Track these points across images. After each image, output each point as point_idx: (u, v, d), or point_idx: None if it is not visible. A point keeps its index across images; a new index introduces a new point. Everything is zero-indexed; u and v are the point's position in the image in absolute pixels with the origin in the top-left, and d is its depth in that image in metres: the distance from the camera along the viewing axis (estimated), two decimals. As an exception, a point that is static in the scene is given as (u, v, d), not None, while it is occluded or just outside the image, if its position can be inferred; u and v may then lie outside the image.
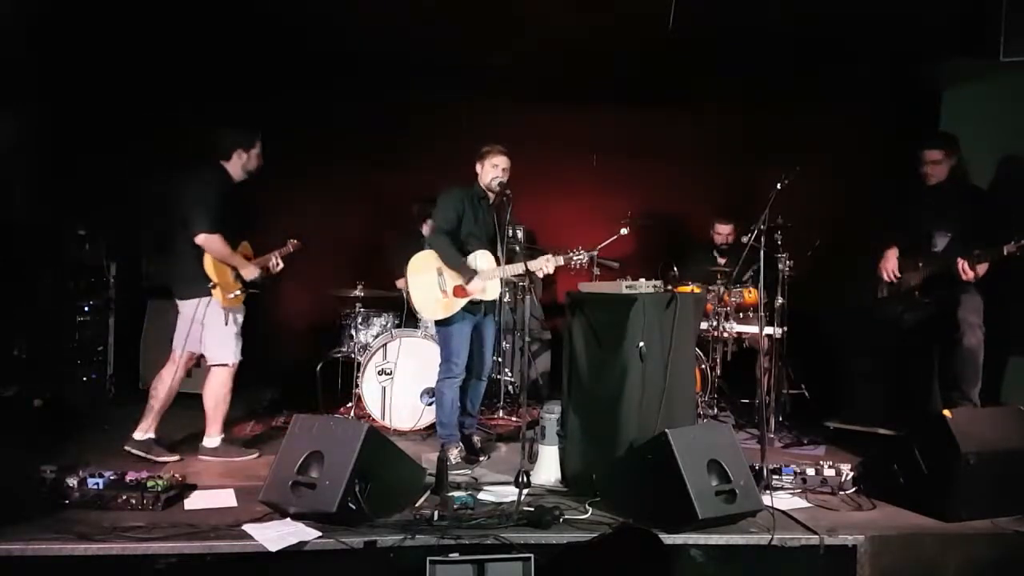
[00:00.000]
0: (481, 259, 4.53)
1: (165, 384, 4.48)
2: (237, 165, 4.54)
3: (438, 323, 4.61)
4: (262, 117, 5.85)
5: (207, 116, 6.12)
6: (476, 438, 4.83)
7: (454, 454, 4.52)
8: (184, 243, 4.38)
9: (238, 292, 4.49)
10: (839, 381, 5.62)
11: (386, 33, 5.84)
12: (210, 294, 4.39)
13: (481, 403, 5.01)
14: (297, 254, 4.92)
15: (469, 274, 4.47)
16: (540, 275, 4.49)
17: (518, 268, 4.42)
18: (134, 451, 4.40)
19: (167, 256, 4.60)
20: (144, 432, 4.45)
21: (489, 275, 4.49)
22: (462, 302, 4.50)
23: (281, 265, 4.76)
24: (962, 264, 4.43)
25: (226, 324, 4.45)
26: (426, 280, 4.55)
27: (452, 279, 4.52)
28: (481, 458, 4.63)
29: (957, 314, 4.52)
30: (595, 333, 4.03)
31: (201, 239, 4.32)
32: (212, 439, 4.55)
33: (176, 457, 4.48)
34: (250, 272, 4.54)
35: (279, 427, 5.25)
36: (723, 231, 6.32)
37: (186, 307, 4.45)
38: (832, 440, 5.06)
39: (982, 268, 4.43)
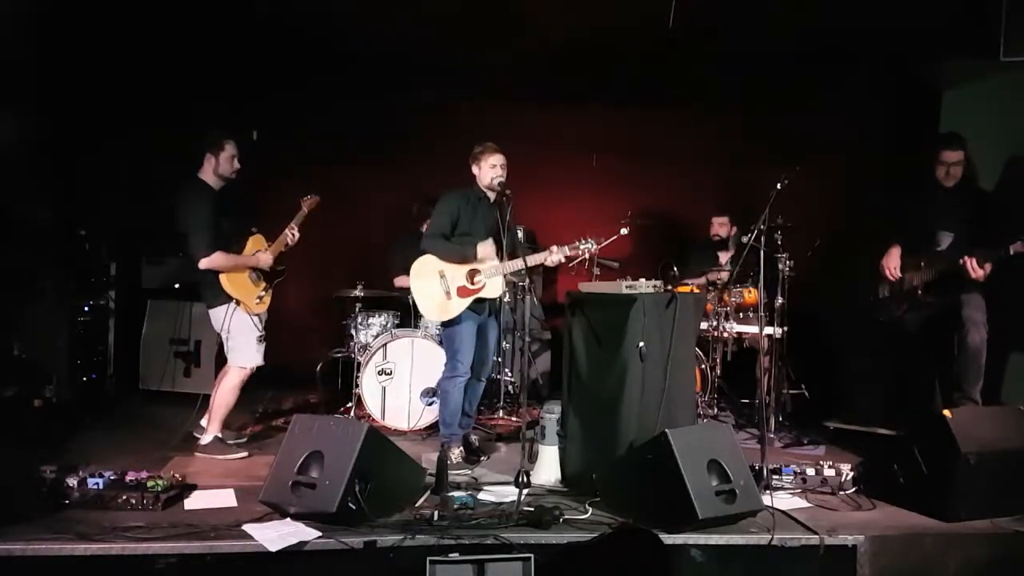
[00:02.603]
0: (483, 249, 4.53)
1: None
2: (209, 171, 4.50)
3: (444, 323, 4.62)
4: (262, 117, 5.88)
5: (207, 116, 6.14)
6: (473, 438, 4.83)
7: (455, 454, 4.52)
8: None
9: (263, 294, 4.58)
10: (839, 381, 5.62)
11: (386, 33, 5.85)
12: (230, 301, 4.47)
13: (480, 403, 5.02)
14: (308, 219, 4.84)
15: (472, 253, 4.47)
16: (550, 263, 4.47)
17: (519, 263, 4.42)
18: (202, 455, 4.53)
19: (191, 265, 4.61)
20: (210, 433, 4.58)
21: (491, 271, 4.49)
22: (466, 302, 4.50)
23: (297, 234, 4.74)
24: (970, 262, 4.41)
25: (250, 329, 4.53)
26: (429, 284, 4.55)
27: (455, 280, 4.52)
28: (480, 458, 4.63)
29: (961, 313, 4.52)
30: (595, 333, 4.03)
31: (204, 263, 4.38)
32: (206, 436, 4.58)
33: (243, 454, 4.60)
34: (265, 260, 4.60)
35: (279, 427, 5.26)
36: (718, 222, 6.39)
37: (214, 315, 4.54)
38: (832, 440, 5.06)
39: (988, 266, 4.42)
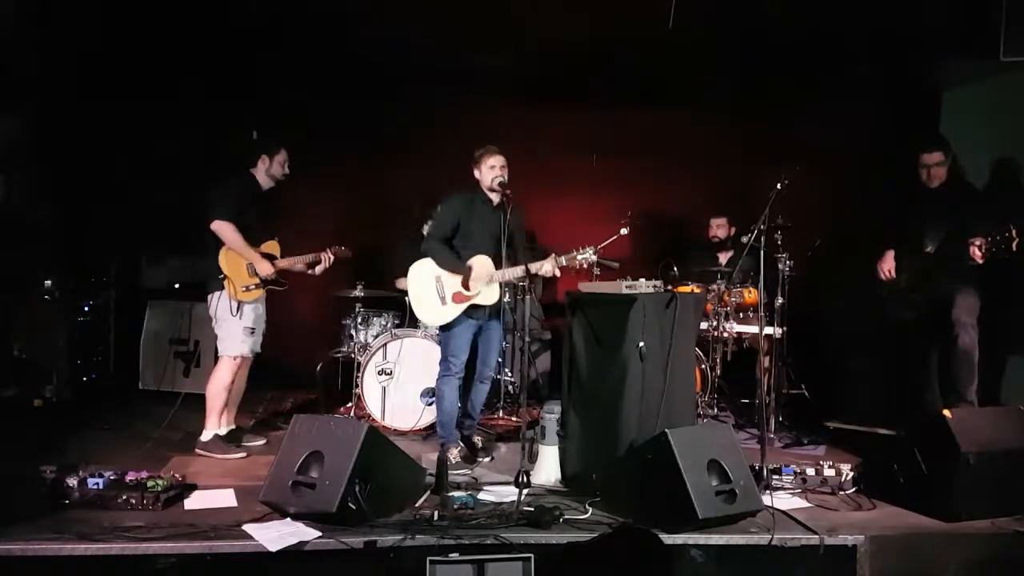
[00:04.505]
0: (479, 264, 4.52)
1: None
2: (262, 171, 4.71)
3: (441, 327, 4.62)
4: (262, 118, 5.87)
5: (207, 116, 6.14)
6: (477, 438, 4.83)
7: (454, 454, 4.52)
8: (210, 240, 4.51)
9: (252, 286, 4.59)
10: (839, 381, 5.62)
11: (386, 34, 5.85)
12: (223, 287, 4.51)
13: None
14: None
15: (465, 272, 4.47)
16: (544, 272, 4.47)
17: (518, 271, 4.41)
18: (202, 452, 4.54)
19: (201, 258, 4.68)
20: (209, 430, 4.58)
21: (488, 278, 4.48)
22: (462, 307, 4.49)
23: (319, 271, 4.92)
24: (972, 248, 4.32)
25: (235, 316, 4.53)
26: (426, 288, 4.56)
27: (451, 285, 4.52)
28: (481, 459, 4.63)
29: (951, 314, 4.52)
30: (595, 333, 4.03)
31: (215, 226, 4.48)
32: (205, 433, 4.59)
33: (242, 454, 4.60)
34: (264, 268, 4.62)
35: (279, 427, 5.26)
36: (716, 224, 6.38)
37: (209, 301, 4.59)
38: (832, 440, 5.06)
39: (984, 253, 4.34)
